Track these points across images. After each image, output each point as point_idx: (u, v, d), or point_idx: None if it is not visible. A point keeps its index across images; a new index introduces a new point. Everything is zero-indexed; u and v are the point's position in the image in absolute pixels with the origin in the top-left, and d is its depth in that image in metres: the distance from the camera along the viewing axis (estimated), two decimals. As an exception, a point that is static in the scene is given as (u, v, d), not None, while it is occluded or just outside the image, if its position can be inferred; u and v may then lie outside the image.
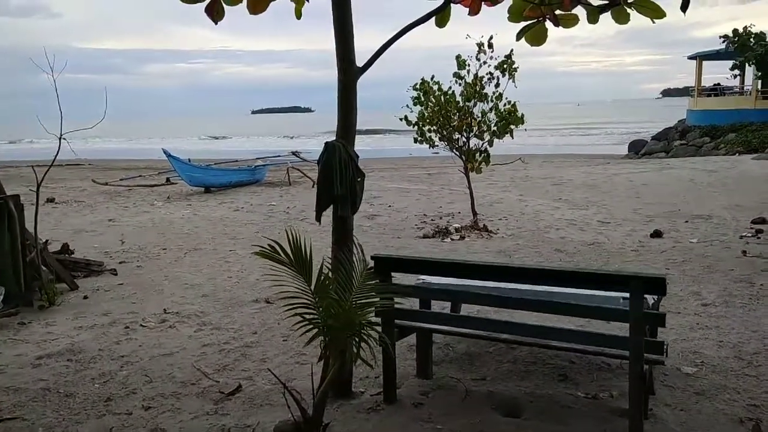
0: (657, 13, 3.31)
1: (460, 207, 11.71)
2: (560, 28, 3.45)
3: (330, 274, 3.09)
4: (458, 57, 9.71)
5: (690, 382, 3.82)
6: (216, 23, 3.60)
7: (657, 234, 8.90)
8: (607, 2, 3.40)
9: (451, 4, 3.66)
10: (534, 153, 28.12)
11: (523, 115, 9.98)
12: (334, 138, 3.61)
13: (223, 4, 3.51)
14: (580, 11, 3.43)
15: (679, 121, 33.96)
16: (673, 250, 7.23)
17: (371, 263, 3.40)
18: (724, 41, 27.54)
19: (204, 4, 3.38)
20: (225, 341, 4.64)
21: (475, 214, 10.09)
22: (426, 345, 3.95)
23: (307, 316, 2.99)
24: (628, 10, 3.34)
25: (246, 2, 3.54)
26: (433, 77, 9.85)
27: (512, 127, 9.96)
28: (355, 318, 2.89)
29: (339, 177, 3.30)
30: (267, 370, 4.01)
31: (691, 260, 6.67)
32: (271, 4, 3.47)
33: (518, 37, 3.59)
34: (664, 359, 3.21)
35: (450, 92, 9.80)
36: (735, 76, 29.91)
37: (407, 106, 10.27)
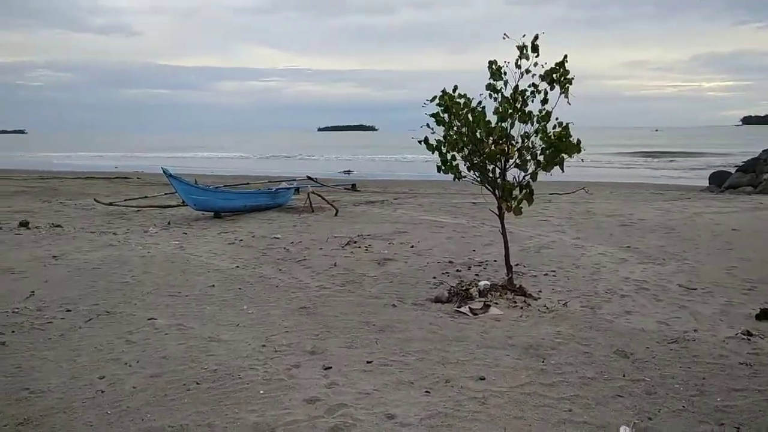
0: None
1: (498, 252, 9.26)
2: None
3: None
4: (492, 63, 7.33)
5: None
6: None
7: (766, 315, 6.23)
8: None
9: None
10: (601, 181, 25.13)
11: (579, 141, 7.44)
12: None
13: None
14: None
15: (763, 151, 30.22)
16: (811, 367, 4.55)
17: None
18: None
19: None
20: None
21: (509, 269, 7.61)
22: None
23: None
24: None
25: None
26: (455, 88, 7.49)
27: (564, 155, 7.46)
28: None
29: None
30: None
31: None
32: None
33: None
34: None
35: (480, 108, 7.42)
36: None
37: (428, 125, 7.97)
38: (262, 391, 4.14)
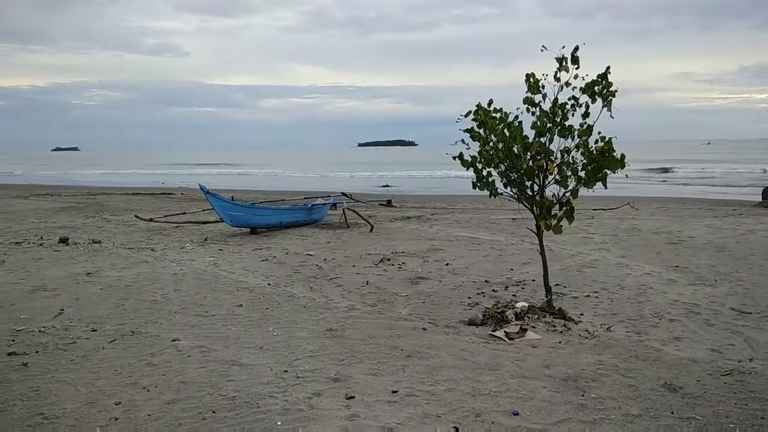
0: None
1: (538, 270, 8.89)
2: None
3: None
4: (530, 76, 7.04)
5: None
6: None
7: (832, 344, 5.73)
8: None
9: None
10: (647, 196, 24.28)
11: (623, 156, 7.04)
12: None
13: None
14: None
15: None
16: None
17: None
18: None
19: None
20: None
21: (548, 290, 7.26)
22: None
23: None
24: None
25: None
26: (490, 102, 7.22)
27: (607, 171, 7.07)
28: None
29: None
30: None
31: None
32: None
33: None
34: None
35: (517, 122, 7.12)
36: None
37: (462, 141, 7.71)
38: (279, 422, 3.93)
